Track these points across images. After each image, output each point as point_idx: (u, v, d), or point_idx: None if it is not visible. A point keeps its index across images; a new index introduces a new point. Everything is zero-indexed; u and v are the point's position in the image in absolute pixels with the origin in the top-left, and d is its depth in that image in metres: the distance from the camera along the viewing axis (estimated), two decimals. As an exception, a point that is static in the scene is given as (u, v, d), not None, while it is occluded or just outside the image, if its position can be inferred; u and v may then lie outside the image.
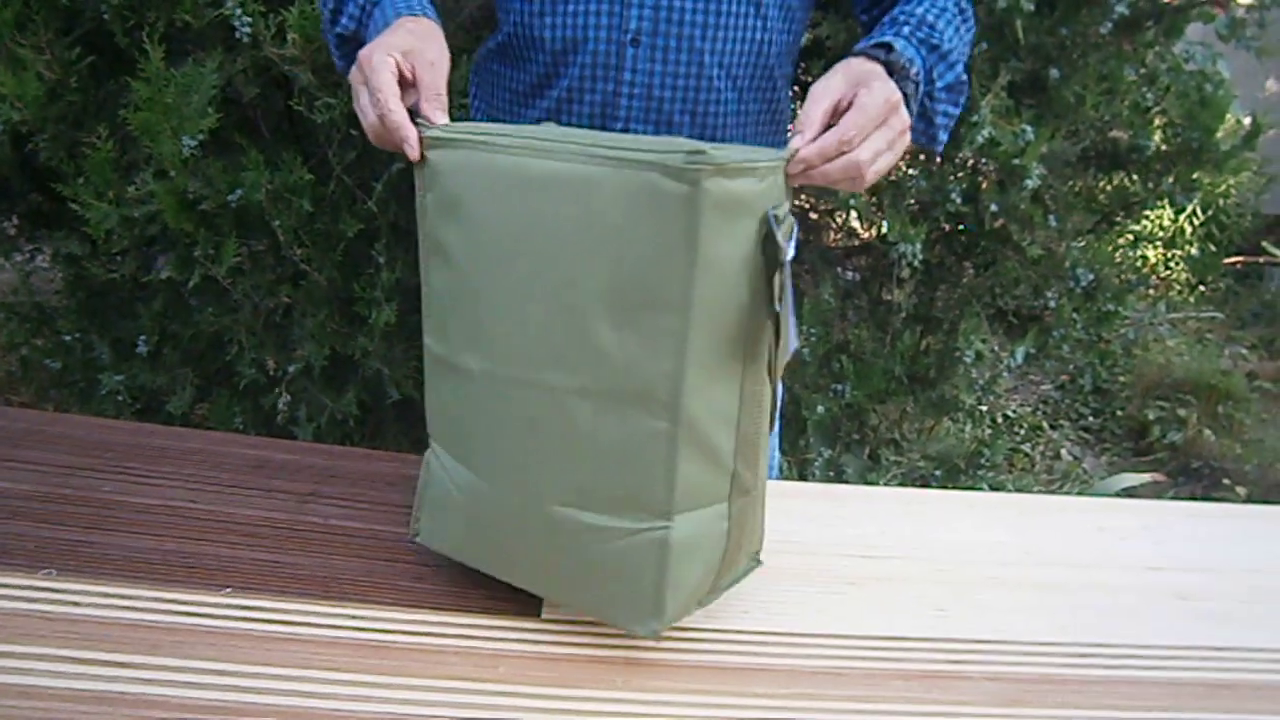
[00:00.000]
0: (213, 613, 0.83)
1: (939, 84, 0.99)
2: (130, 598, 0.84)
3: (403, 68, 0.87)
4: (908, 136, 0.88)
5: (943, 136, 1.03)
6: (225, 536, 0.94)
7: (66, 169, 1.77)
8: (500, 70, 1.13)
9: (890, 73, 0.90)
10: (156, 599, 0.84)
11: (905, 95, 0.89)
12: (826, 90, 0.84)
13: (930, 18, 1.00)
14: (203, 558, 0.91)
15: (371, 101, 0.86)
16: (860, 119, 0.82)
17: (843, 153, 0.82)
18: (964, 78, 1.02)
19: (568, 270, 0.76)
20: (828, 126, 0.83)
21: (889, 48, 0.92)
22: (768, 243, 0.74)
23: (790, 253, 0.74)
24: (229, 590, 0.87)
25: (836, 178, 0.82)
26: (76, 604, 0.83)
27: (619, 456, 0.78)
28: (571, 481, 0.80)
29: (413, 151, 0.83)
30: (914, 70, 0.93)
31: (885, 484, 2.32)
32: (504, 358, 0.80)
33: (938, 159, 2.07)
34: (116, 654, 0.77)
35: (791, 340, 0.78)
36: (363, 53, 0.88)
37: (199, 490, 1.01)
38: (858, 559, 1.01)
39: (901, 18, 1.00)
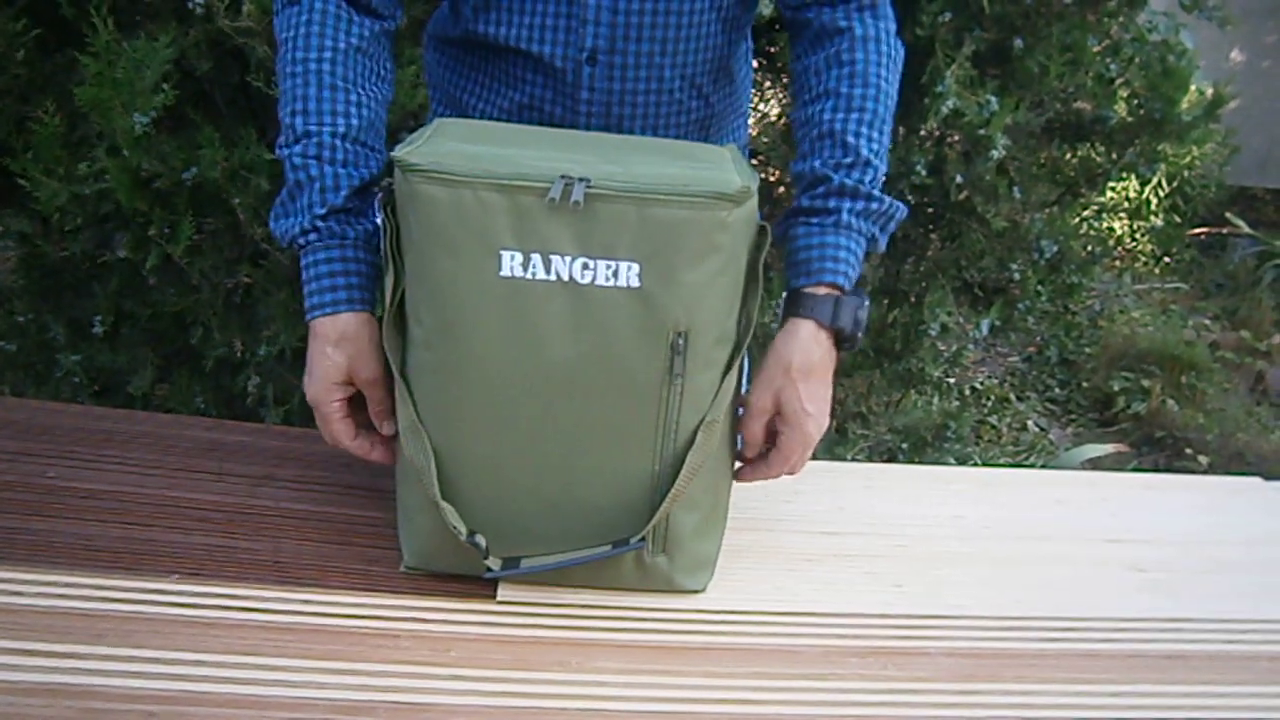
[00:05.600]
0: (159, 600, 0.82)
1: (882, 239, 0.97)
2: (74, 586, 0.82)
3: (347, 396, 0.91)
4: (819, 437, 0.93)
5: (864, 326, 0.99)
6: (174, 522, 0.92)
7: (14, 145, 1.73)
8: (461, 56, 1.09)
9: (837, 339, 0.92)
10: (101, 587, 0.82)
11: (848, 340, 0.92)
12: (759, 410, 0.91)
13: (866, 152, 0.94)
14: (149, 544, 0.89)
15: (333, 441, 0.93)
16: (782, 462, 0.92)
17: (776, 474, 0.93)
18: (904, 213, 0.98)
19: None
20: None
21: (835, 300, 0.91)
22: None
23: None
24: (176, 577, 0.85)
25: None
26: (19, 594, 0.81)
27: None
28: None
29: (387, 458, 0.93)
30: (860, 332, 0.93)
31: (852, 457, 2.32)
32: None
33: (902, 130, 2.07)
34: (59, 644, 0.76)
35: None
36: (309, 397, 0.91)
37: (147, 475, 0.99)
38: (817, 535, 1.00)
39: (834, 175, 0.93)
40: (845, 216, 0.93)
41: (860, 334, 0.93)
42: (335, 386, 0.90)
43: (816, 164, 0.94)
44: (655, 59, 1.01)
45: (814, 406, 0.90)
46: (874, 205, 0.94)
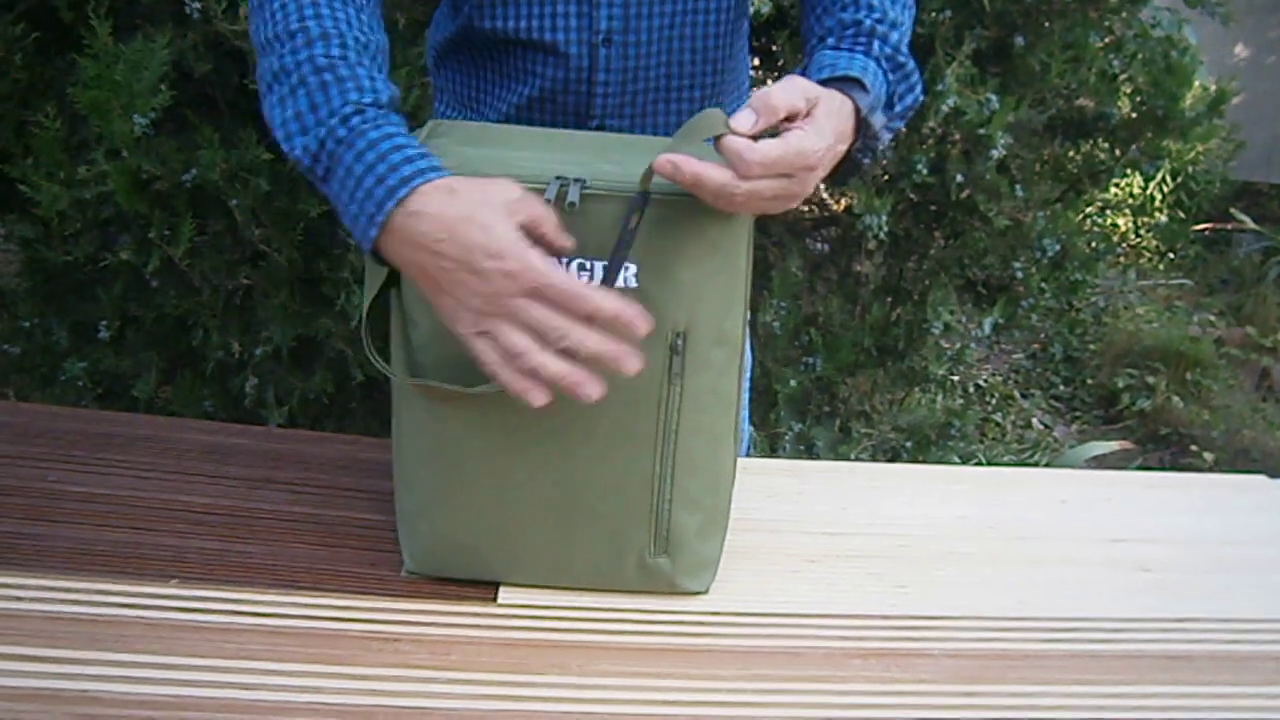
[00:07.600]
0: (157, 604, 0.81)
1: (898, 107, 0.92)
2: (72, 590, 0.82)
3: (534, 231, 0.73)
4: (797, 201, 0.79)
5: (879, 152, 0.94)
6: (172, 525, 0.92)
7: (14, 149, 1.73)
8: (466, 59, 1.08)
9: (857, 129, 0.84)
10: (99, 591, 0.82)
11: (867, 149, 0.87)
12: (793, 90, 0.78)
13: (893, 16, 0.92)
14: (148, 548, 0.88)
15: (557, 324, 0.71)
16: (785, 148, 0.75)
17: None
18: (921, 96, 0.96)
19: None
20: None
21: (863, 87, 0.85)
22: None
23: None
24: (175, 581, 0.85)
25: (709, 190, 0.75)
26: (17, 598, 0.81)
27: None
28: None
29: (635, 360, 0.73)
30: (885, 138, 0.89)
31: (856, 456, 2.31)
32: None
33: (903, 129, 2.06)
34: (56, 649, 0.75)
35: None
36: (491, 263, 0.71)
37: (146, 478, 0.99)
38: (819, 536, 1.00)
39: (865, 19, 0.91)
40: (876, 50, 0.90)
41: (877, 148, 0.87)
42: (517, 216, 0.72)
43: (844, 16, 0.92)
44: (666, 32, 1.00)
45: (837, 135, 0.80)
46: (899, 59, 0.91)
